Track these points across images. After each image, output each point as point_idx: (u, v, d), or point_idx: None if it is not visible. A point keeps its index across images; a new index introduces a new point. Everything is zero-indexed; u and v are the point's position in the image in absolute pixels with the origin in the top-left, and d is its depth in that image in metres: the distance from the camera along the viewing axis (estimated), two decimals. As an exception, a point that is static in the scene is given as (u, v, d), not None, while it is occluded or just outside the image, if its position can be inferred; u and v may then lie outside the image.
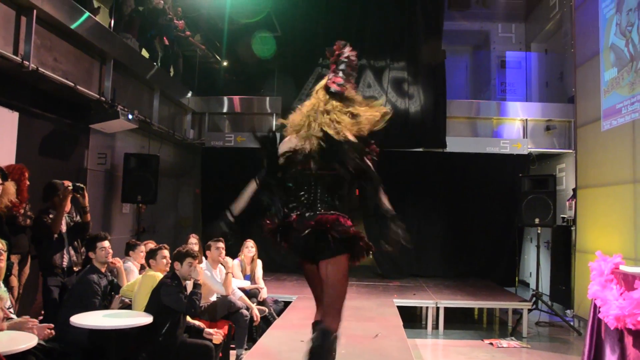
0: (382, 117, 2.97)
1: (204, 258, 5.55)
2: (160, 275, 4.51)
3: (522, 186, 7.82)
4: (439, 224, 9.18)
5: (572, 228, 7.84)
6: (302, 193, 2.88)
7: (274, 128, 9.01)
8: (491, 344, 6.30)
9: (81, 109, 6.26)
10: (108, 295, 4.55)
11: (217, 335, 4.48)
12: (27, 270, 4.75)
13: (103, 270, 4.54)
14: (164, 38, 8.38)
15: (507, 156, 8.78)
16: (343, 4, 9.04)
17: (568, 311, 7.58)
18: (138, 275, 5.04)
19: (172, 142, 9.22)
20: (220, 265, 5.46)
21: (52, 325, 3.66)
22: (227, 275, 5.32)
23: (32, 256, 4.84)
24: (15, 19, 4.83)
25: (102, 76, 6.44)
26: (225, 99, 9.42)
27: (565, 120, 8.73)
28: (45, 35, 5.30)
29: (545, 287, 8.28)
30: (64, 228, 4.84)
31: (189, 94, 9.22)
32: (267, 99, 9.35)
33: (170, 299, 4.11)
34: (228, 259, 5.56)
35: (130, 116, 6.39)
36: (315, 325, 2.85)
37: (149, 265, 4.72)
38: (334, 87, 2.93)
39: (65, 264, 4.79)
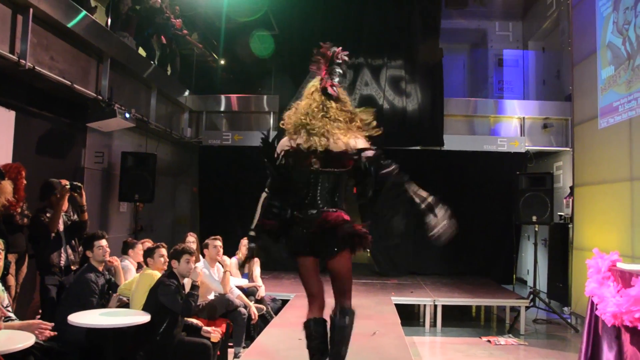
0: (373, 118, 3.15)
1: (201, 257, 5.55)
2: (157, 274, 4.51)
3: (520, 184, 7.82)
4: (437, 222, 9.17)
5: (569, 226, 7.85)
6: (304, 190, 2.99)
7: (271, 127, 9.01)
8: (489, 341, 6.31)
9: (78, 107, 6.25)
10: (105, 294, 4.54)
11: (215, 333, 4.48)
12: (24, 269, 4.74)
13: (100, 269, 4.53)
14: (162, 37, 8.36)
15: (504, 154, 8.79)
16: (341, 2, 9.04)
17: (565, 308, 7.59)
18: (135, 274, 5.03)
19: (170, 141, 9.21)
20: (218, 263, 5.46)
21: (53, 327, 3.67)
22: (225, 273, 5.31)
23: (30, 255, 4.83)
24: (12, 17, 4.81)
25: (99, 75, 6.43)
26: (223, 97, 9.42)
27: (563, 118, 8.75)
28: (41, 33, 5.28)
29: (542, 284, 8.30)
30: (61, 227, 4.83)
31: (187, 93, 9.21)
32: (265, 97, 9.35)
33: (167, 299, 4.11)
34: (225, 257, 5.56)
35: (127, 115, 6.38)
36: (314, 321, 3.00)
37: (147, 264, 4.71)
38: (331, 90, 3.04)
39: (62, 262, 4.78)
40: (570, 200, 7.85)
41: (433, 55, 8.81)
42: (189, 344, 4.17)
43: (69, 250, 4.87)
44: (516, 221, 8.23)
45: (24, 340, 3.29)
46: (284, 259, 8.57)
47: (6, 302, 3.74)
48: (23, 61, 4.84)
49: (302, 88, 3.29)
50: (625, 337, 3.17)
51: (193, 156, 9.73)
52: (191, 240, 5.91)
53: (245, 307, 5.34)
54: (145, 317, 3.98)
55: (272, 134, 8.74)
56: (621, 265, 3.48)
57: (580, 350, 3.58)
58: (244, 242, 6.41)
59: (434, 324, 6.84)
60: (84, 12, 5.76)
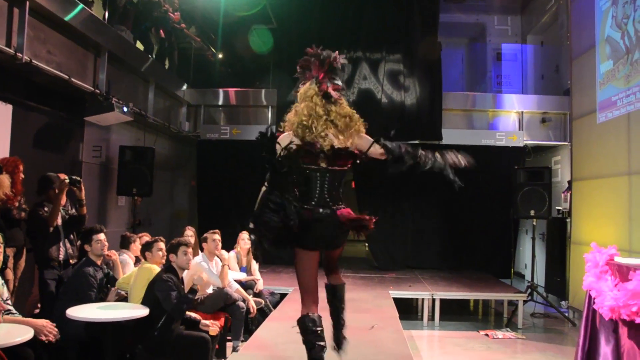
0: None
1: (200, 250, 5.56)
2: (156, 268, 4.51)
3: (518, 178, 7.84)
4: (435, 216, 9.21)
5: (567, 220, 7.87)
6: (309, 188, 3.13)
7: (269, 121, 9.00)
8: (487, 335, 6.33)
9: (76, 101, 6.22)
10: (104, 287, 4.54)
11: (213, 327, 4.49)
12: (22, 263, 4.74)
13: (99, 262, 4.53)
14: (160, 30, 8.32)
15: (502, 148, 8.79)
16: None
17: (563, 302, 7.62)
18: (134, 268, 5.04)
19: (168, 135, 9.19)
20: (216, 257, 5.46)
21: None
22: (223, 267, 5.32)
23: (28, 249, 4.83)
24: (8, 10, 4.78)
25: (96, 68, 6.40)
26: (221, 91, 9.39)
27: (561, 113, 8.75)
28: (38, 27, 5.25)
29: (540, 278, 8.32)
30: (59, 221, 4.82)
31: (185, 87, 9.18)
32: (263, 91, 9.32)
33: (161, 294, 4.11)
34: (224, 251, 5.56)
35: (125, 109, 6.37)
36: (310, 318, 3.13)
37: (145, 258, 4.72)
38: (334, 95, 3.17)
39: (61, 257, 4.78)
40: (568, 194, 7.87)
41: (432, 49, 8.79)
42: (188, 337, 4.18)
43: (68, 245, 4.87)
44: (514, 215, 8.24)
45: (22, 334, 3.29)
46: (280, 252, 8.61)
47: (6, 295, 3.75)
48: (20, 55, 4.81)
49: (295, 89, 3.34)
50: (623, 331, 3.18)
51: (191, 150, 9.72)
52: (189, 234, 5.91)
53: (244, 300, 5.34)
54: (144, 311, 3.98)
55: (272, 128, 8.68)
56: (619, 259, 3.48)
57: (578, 344, 3.59)
58: (243, 235, 6.42)
59: (432, 317, 6.87)
60: (81, 5, 5.72)
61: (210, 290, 5.31)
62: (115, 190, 7.32)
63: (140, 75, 7.69)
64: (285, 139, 3.11)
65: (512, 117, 9.02)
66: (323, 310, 3.35)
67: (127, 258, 5.25)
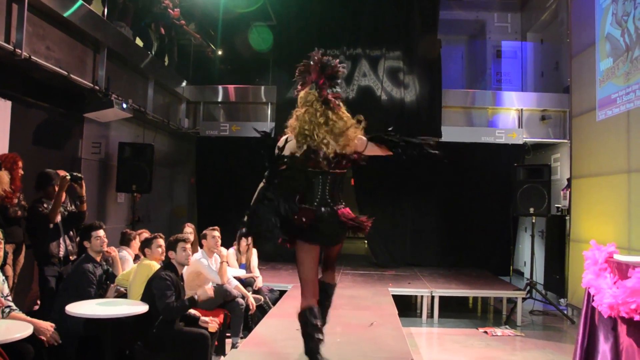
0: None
1: (199, 247, 5.56)
2: (155, 264, 4.51)
3: (517, 176, 7.84)
4: (434, 213, 9.22)
5: (566, 217, 7.88)
6: (313, 190, 3.30)
7: (269, 118, 8.98)
8: (485, 332, 6.34)
9: (75, 98, 6.21)
10: (103, 284, 4.55)
11: (212, 323, 4.49)
12: (21, 259, 4.74)
13: (98, 259, 4.53)
14: (160, 27, 8.30)
15: (502, 146, 8.79)
16: None
17: (562, 300, 7.64)
18: (133, 265, 5.03)
19: (167, 132, 9.18)
20: (215, 254, 5.46)
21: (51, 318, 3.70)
22: (222, 264, 5.32)
23: (27, 246, 4.83)
24: (7, 6, 4.77)
25: (95, 65, 6.39)
26: (220, 88, 9.38)
27: (561, 110, 8.75)
28: (37, 23, 5.24)
29: (539, 276, 8.34)
30: (58, 218, 4.82)
31: (184, 83, 9.16)
32: (262, 88, 9.31)
33: (157, 292, 4.10)
34: (223, 248, 5.56)
35: (124, 105, 6.35)
36: (310, 310, 3.24)
37: (144, 255, 4.71)
38: (333, 103, 3.31)
39: (62, 253, 4.79)
40: (568, 192, 7.87)
41: (431, 47, 8.78)
42: (187, 334, 4.18)
43: (67, 241, 4.87)
44: (513, 213, 8.25)
45: (22, 330, 3.30)
46: (280, 249, 8.68)
47: (6, 291, 3.75)
48: (19, 51, 4.80)
49: (294, 87, 3.41)
50: (622, 329, 3.18)
51: (190, 147, 9.71)
52: (189, 231, 5.91)
53: (243, 297, 5.35)
54: (143, 308, 3.98)
55: (270, 125, 8.71)
56: (618, 257, 3.48)
57: (577, 341, 3.60)
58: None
59: (431, 315, 6.88)
60: (80, 1, 5.71)
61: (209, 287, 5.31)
62: (114, 186, 7.31)
63: (139, 72, 7.67)
64: (291, 145, 3.27)
65: (512, 115, 9.02)
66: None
67: (126, 254, 5.25)
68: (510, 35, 10.97)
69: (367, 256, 10.14)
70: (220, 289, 5.20)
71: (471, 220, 9.07)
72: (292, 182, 3.26)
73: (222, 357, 4.81)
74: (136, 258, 5.24)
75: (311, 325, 3.17)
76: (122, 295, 4.70)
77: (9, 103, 5.22)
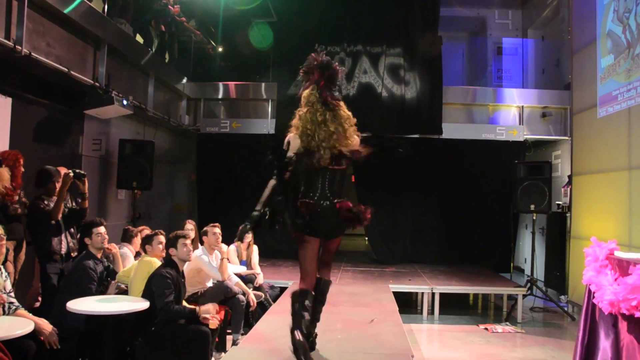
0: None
1: (200, 244, 5.56)
2: (156, 261, 4.51)
3: (518, 173, 7.83)
4: (435, 210, 9.22)
5: (567, 214, 7.87)
6: (314, 185, 3.52)
7: (269, 115, 8.98)
8: (486, 329, 6.35)
9: (75, 94, 6.20)
10: (104, 281, 4.55)
11: (213, 320, 4.49)
12: (22, 256, 4.74)
13: (99, 256, 4.53)
14: (160, 24, 8.29)
15: (503, 143, 8.78)
16: None
17: (562, 297, 7.64)
18: (134, 261, 5.04)
19: (168, 128, 9.17)
20: (216, 250, 5.46)
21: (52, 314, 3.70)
22: (222, 260, 5.32)
23: (28, 242, 4.83)
24: (7, 3, 4.75)
25: (96, 62, 6.37)
26: (221, 85, 9.37)
27: (561, 107, 8.73)
28: (37, 19, 5.23)
29: (540, 273, 8.34)
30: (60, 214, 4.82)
31: (184, 80, 9.15)
32: (263, 85, 9.30)
33: (156, 291, 4.10)
34: (223, 244, 5.57)
35: (125, 102, 6.35)
36: (305, 292, 3.51)
37: (145, 251, 4.71)
38: (332, 104, 3.53)
39: (63, 250, 4.79)
40: (569, 189, 7.87)
41: (432, 44, 8.76)
42: (188, 330, 4.18)
43: (68, 238, 4.87)
44: (514, 210, 8.25)
45: (23, 326, 3.30)
46: (280, 245, 8.68)
47: (9, 287, 3.76)
48: (19, 47, 4.79)
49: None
50: (622, 325, 3.18)
51: (191, 144, 9.70)
52: (190, 228, 5.91)
53: (244, 294, 5.35)
54: (143, 304, 3.99)
55: (271, 122, 8.69)
56: (619, 254, 3.48)
57: (577, 338, 3.60)
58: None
59: (431, 311, 6.89)
60: (80, -2, 5.70)
61: (210, 284, 5.32)
62: (115, 183, 7.31)
63: (140, 69, 7.66)
64: (294, 140, 3.53)
65: (513, 112, 9.00)
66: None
67: (127, 251, 5.25)
68: (511, 32, 10.95)
69: (367, 253, 10.15)
70: (221, 286, 5.21)
71: (472, 217, 9.07)
72: (296, 178, 3.52)
73: (222, 353, 4.81)
74: (137, 255, 5.24)
75: (301, 305, 3.42)
76: (123, 292, 4.71)
77: (9, 100, 5.21)
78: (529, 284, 7.37)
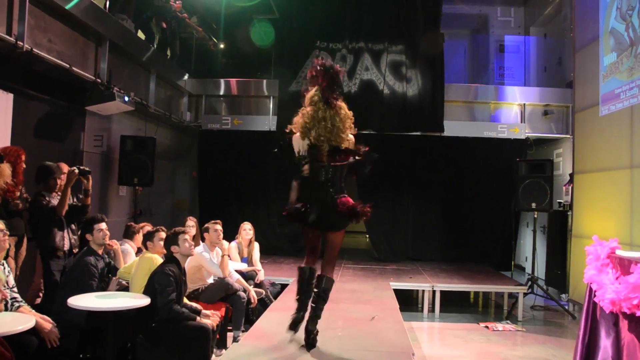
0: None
1: (201, 241, 5.56)
2: (157, 258, 4.51)
3: (520, 171, 7.82)
4: (436, 208, 9.22)
5: (568, 213, 7.87)
6: (317, 180, 3.75)
7: (270, 111, 8.97)
8: (487, 327, 6.35)
9: (77, 90, 6.20)
10: (105, 277, 4.55)
11: (214, 317, 4.50)
12: (23, 252, 4.74)
13: (100, 252, 4.54)
14: (161, 21, 8.28)
15: (504, 141, 8.78)
16: None
17: (563, 295, 7.64)
18: (135, 258, 5.04)
19: (169, 125, 9.17)
20: (217, 247, 5.47)
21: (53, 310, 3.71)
22: (223, 257, 5.33)
23: (28, 238, 4.83)
24: (9, -2, 4.76)
25: (97, 58, 6.36)
26: (222, 81, 9.36)
27: (563, 105, 8.71)
28: (39, 15, 5.22)
29: (540, 271, 8.33)
30: (62, 211, 4.82)
31: (186, 76, 9.15)
32: (264, 81, 9.29)
33: (159, 288, 4.10)
34: (225, 241, 5.57)
35: (126, 98, 6.34)
36: (303, 269, 3.84)
37: (146, 248, 4.72)
38: (333, 103, 3.75)
39: (66, 247, 4.79)
40: (570, 187, 7.86)
41: (434, 41, 8.74)
42: (189, 327, 4.18)
43: (70, 234, 4.87)
44: (515, 208, 8.25)
45: (24, 322, 3.31)
46: (281, 242, 8.72)
47: (12, 283, 3.76)
48: (21, 43, 4.78)
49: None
50: (623, 324, 3.18)
51: (192, 140, 9.70)
52: (191, 225, 5.92)
53: (245, 291, 5.36)
54: (144, 301, 3.99)
55: (273, 118, 8.73)
56: (620, 253, 3.48)
57: (578, 337, 3.60)
58: (244, 226, 6.44)
59: (432, 309, 6.89)
60: (82, -6, 5.69)
61: (211, 280, 5.33)
62: (116, 179, 7.32)
63: (141, 65, 7.65)
64: (298, 140, 3.79)
65: (515, 109, 8.99)
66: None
67: (128, 248, 5.25)
68: (514, 30, 10.93)
69: (368, 250, 10.14)
70: (221, 283, 5.21)
71: (473, 215, 9.07)
72: (303, 175, 3.81)
73: (223, 350, 4.81)
74: (139, 251, 5.24)
75: (304, 281, 3.77)
76: (124, 288, 4.71)
77: (10, 96, 5.21)
78: (529, 282, 7.37)
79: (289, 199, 3.87)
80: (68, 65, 5.56)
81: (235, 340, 5.02)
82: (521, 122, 8.85)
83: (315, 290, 3.79)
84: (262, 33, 10.15)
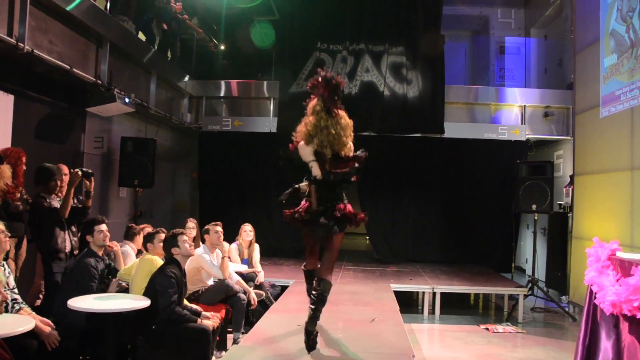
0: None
1: (201, 242, 5.55)
2: (157, 259, 4.51)
3: (520, 172, 7.82)
4: (436, 210, 9.21)
5: (568, 214, 7.86)
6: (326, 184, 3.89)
7: (271, 113, 8.97)
8: (487, 329, 6.34)
9: (77, 92, 6.20)
10: (105, 278, 4.54)
11: (214, 318, 4.49)
12: (23, 253, 4.74)
13: (100, 253, 4.53)
14: (162, 23, 8.28)
15: (505, 142, 8.77)
16: None
17: (563, 297, 7.63)
18: (135, 259, 5.04)
19: (169, 126, 9.17)
20: (217, 249, 5.46)
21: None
22: (223, 259, 5.32)
23: (28, 240, 4.83)
24: (9, 0, 4.75)
25: (98, 59, 6.37)
26: (223, 83, 9.36)
27: (564, 107, 8.71)
28: (40, 16, 5.23)
29: (541, 273, 8.33)
30: (62, 212, 4.82)
31: (186, 78, 9.15)
32: (265, 83, 9.29)
33: (160, 290, 4.09)
34: (225, 243, 5.57)
35: (127, 100, 6.35)
36: (308, 271, 4.18)
37: (146, 249, 4.71)
38: (334, 112, 3.91)
39: (67, 248, 4.79)
40: (570, 189, 7.85)
41: (435, 43, 8.75)
42: (188, 329, 4.17)
43: (71, 236, 4.87)
44: (516, 209, 8.24)
45: (24, 324, 3.30)
46: (282, 244, 8.76)
47: (12, 284, 3.76)
48: (21, 44, 4.79)
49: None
50: (624, 326, 3.17)
51: (193, 142, 9.70)
52: (191, 226, 5.91)
53: (245, 292, 5.35)
54: (144, 302, 3.98)
55: (273, 120, 8.76)
56: (621, 255, 3.47)
57: (578, 339, 3.59)
58: (245, 227, 6.43)
59: (432, 311, 6.88)
60: (82, -5, 5.69)
61: (211, 282, 5.32)
62: (116, 181, 7.32)
63: (142, 66, 7.66)
64: (303, 148, 3.93)
65: (515, 111, 8.99)
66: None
67: (128, 249, 5.25)
68: (514, 31, 10.93)
69: (368, 252, 10.14)
70: (222, 284, 5.21)
71: (473, 216, 9.06)
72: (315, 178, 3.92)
73: (223, 352, 4.81)
74: (139, 253, 5.24)
75: (320, 289, 3.82)
76: (124, 289, 4.71)
77: (11, 97, 5.21)
78: (530, 284, 7.37)
79: (303, 203, 3.98)
80: (69, 67, 5.57)
81: (235, 342, 5.01)
82: (521, 123, 8.85)
83: (313, 292, 3.84)
84: (262, 34, 10.16)
